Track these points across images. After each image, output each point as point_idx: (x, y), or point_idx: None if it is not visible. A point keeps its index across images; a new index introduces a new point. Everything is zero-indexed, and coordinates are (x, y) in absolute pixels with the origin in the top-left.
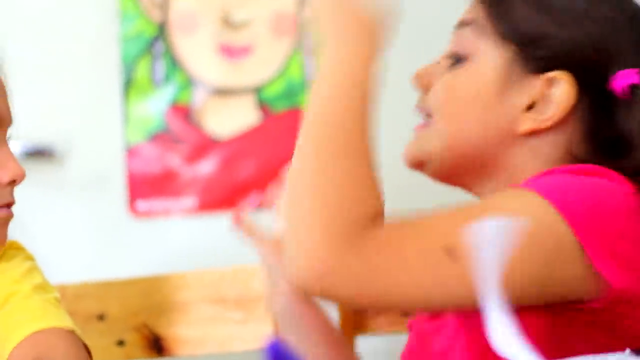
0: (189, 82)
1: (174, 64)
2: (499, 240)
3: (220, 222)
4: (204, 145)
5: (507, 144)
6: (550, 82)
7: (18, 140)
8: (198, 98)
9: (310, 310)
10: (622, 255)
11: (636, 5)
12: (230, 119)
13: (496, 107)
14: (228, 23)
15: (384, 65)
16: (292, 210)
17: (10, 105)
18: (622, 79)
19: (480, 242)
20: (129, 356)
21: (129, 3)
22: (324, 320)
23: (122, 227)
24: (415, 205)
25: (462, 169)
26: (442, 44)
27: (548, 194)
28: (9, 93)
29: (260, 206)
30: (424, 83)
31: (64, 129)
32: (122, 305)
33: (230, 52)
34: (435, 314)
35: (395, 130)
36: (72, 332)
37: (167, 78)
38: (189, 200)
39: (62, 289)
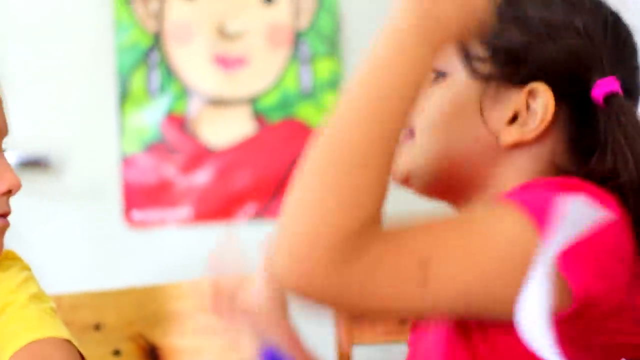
0: (184, 92)
1: (170, 74)
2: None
3: (215, 232)
4: (200, 155)
5: (490, 158)
6: (531, 94)
7: (14, 151)
8: (193, 108)
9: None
10: (592, 265)
11: (611, 11)
12: (226, 129)
13: (478, 122)
14: (223, 34)
15: None
16: (290, 206)
17: (6, 115)
18: (601, 88)
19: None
20: None
21: (124, 13)
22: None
23: (117, 237)
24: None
25: (446, 185)
26: None
27: (525, 207)
28: (4, 103)
29: (255, 216)
30: None
31: (59, 139)
32: (118, 315)
33: (226, 62)
34: (433, 327)
35: None
36: (68, 342)
37: (163, 88)
38: (185, 210)
39: (58, 299)
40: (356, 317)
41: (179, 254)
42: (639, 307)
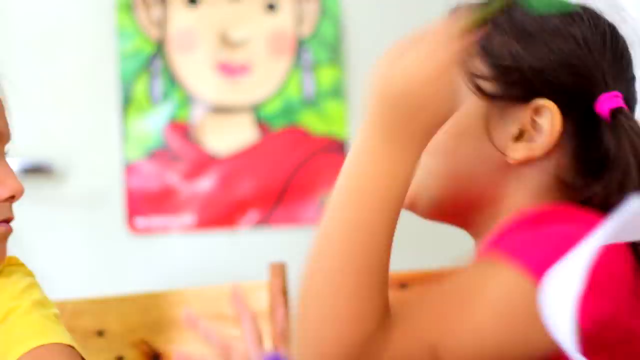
0: (187, 100)
1: (172, 81)
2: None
3: (218, 239)
4: (203, 163)
5: (497, 177)
6: (537, 110)
7: (17, 157)
8: (196, 115)
9: None
10: (592, 291)
11: (608, 23)
12: (229, 137)
13: (485, 141)
14: (226, 41)
15: None
16: (297, 325)
17: (8, 120)
18: (604, 103)
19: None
20: None
21: (127, 21)
22: None
23: (120, 244)
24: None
25: (453, 207)
26: None
27: (517, 259)
28: (6, 109)
29: (258, 223)
30: None
31: (63, 145)
32: (121, 321)
33: (229, 70)
34: None
35: None
36: (71, 348)
37: (166, 95)
38: (188, 217)
39: (62, 305)
40: None
41: (182, 260)
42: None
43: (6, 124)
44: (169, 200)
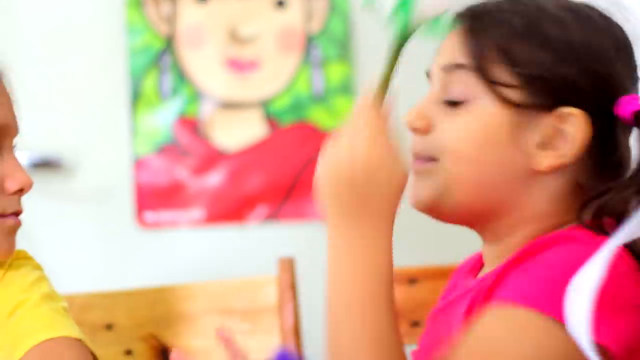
0: (196, 95)
1: (182, 77)
2: None
3: (227, 234)
4: (212, 158)
5: (521, 183)
6: (561, 118)
7: (26, 152)
8: (206, 111)
9: None
10: (612, 313)
11: (619, 27)
12: (238, 132)
13: (510, 149)
14: (235, 37)
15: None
16: None
17: (16, 114)
18: (626, 106)
19: None
20: None
21: (137, 16)
22: None
23: (129, 238)
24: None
25: (475, 212)
26: None
27: (536, 307)
28: (14, 102)
29: (267, 219)
30: (423, 125)
31: (72, 140)
32: (129, 315)
33: (238, 66)
34: None
35: None
36: (80, 342)
37: (175, 91)
38: (197, 212)
39: (70, 299)
40: None
41: (191, 255)
42: None
43: (14, 118)
44: (178, 195)
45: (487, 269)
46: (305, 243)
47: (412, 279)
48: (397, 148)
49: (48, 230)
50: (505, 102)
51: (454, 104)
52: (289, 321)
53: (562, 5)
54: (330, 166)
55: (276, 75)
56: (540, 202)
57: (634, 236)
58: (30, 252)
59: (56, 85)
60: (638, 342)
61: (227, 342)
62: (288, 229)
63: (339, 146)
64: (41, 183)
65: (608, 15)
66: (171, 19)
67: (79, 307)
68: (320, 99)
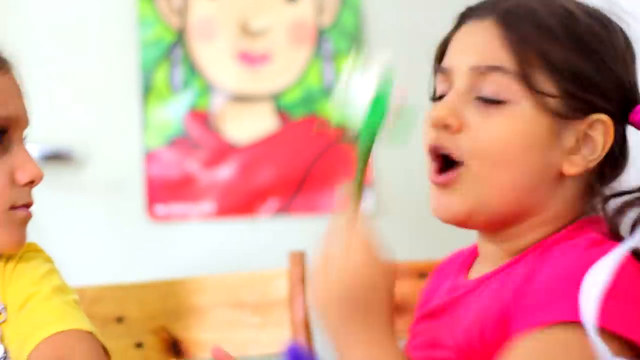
0: (207, 88)
1: (193, 70)
2: None
3: (238, 227)
4: (223, 151)
5: (548, 187)
6: (592, 124)
7: (37, 144)
8: (216, 104)
9: None
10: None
11: (622, 28)
12: (249, 125)
13: (545, 152)
14: (247, 30)
15: None
16: None
17: (27, 106)
18: None
19: None
20: (147, 358)
21: (148, 9)
22: None
23: (140, 231)
24: None
25: (510, 218)
26: None
27: (568, 315)
28: (24, 94)
29: (277, 212)
30: (456, 123)
31: (83, 133)
32: (140, 308)
33: (249, 59)
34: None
35: None
36: (91, 334)
37: (186, 84)
38: (207, 205)
39: (81, 291)
40: None
41: (202, 248)
42: None
43: (25, 110)
44: (188, 188)
45: (486, 267)
46: (316, 237)
47: (421, 273)
48: (382, 257)
49: (59, 222)
50: (545, 109)
51: (489, 102)
52: (300, 314)
53: (585, 10)
54: (325, 289)
55: (287, 68)
56: (559, 204)
57: None
58: (41, 245)
59: (67, 78)
60: None
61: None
62: (299, 223)
63: (328, 262)
64: (52, 176)
65: (617, 20)
66: (182, 12)
67: (89, 299)
68: (331, 92)
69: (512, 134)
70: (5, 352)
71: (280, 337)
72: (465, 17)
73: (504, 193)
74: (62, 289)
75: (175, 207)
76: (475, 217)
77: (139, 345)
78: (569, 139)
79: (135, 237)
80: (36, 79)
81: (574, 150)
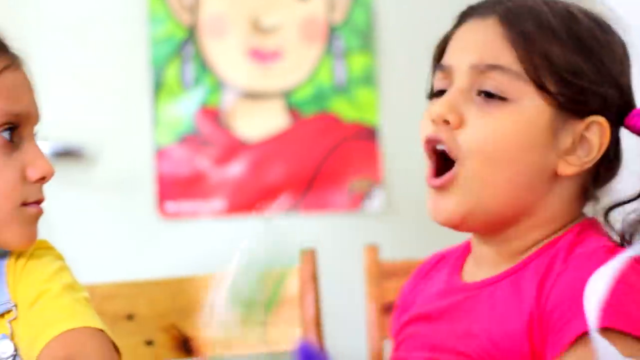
0: (218, 85)
1: (204, 67)
2: None
3: (248, 224)
4: (233, 148)
5: (545, 186)
6: (589, 126)
7: (48, 141)
8: (227, 101)
9: None
10: None
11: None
12: (260, 122)
13: (545, 150)
14: (258, 28)
15: None
16: None
17: (37, 102)
18: (638, 117)
19: None
20: (158, 356)
21: (159, 6)
22: None
23: (151, 228)
24: None
25: (508, 218)
26: None
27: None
28: (35, 91)
29: (288, 209)
30: (456, 119)
31: (94, 130)
32: (150, 305)
33: (260, 56)
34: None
35: None
36: (101, 332)
37: (197, 81)
38: (218, 202)
39: (92, 289)
40: None
41: (212, 245)
42: None
43: (35, 106)
44: (199, 185)
45: (483, 270)
46: (326, 234)
47: None
48: None
49: (69, 219)
50: (545, 108)
51: (489, 99)
52: (310, 312)
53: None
54: None
55: (298, 65)
56: (555, 205)
57: None
58: (52, 242)
59: (78, 74)
60: None
61: None
62: (310, 220)
63: None
64: (63, 173)
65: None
66: (194, 9)
67: (100, 297)
68: (342, 89)
69: (511, 131)
70: (16, 349)
71: (291, 334)
72: (466, 15)
73: (500, 192)
74: (72, 286)
75: (186, 205)
76: (472, 219)
77: (149, 342)
78: (566, 140)
79: (145, 235)
80: (47, 76)
81: (570, 151)
